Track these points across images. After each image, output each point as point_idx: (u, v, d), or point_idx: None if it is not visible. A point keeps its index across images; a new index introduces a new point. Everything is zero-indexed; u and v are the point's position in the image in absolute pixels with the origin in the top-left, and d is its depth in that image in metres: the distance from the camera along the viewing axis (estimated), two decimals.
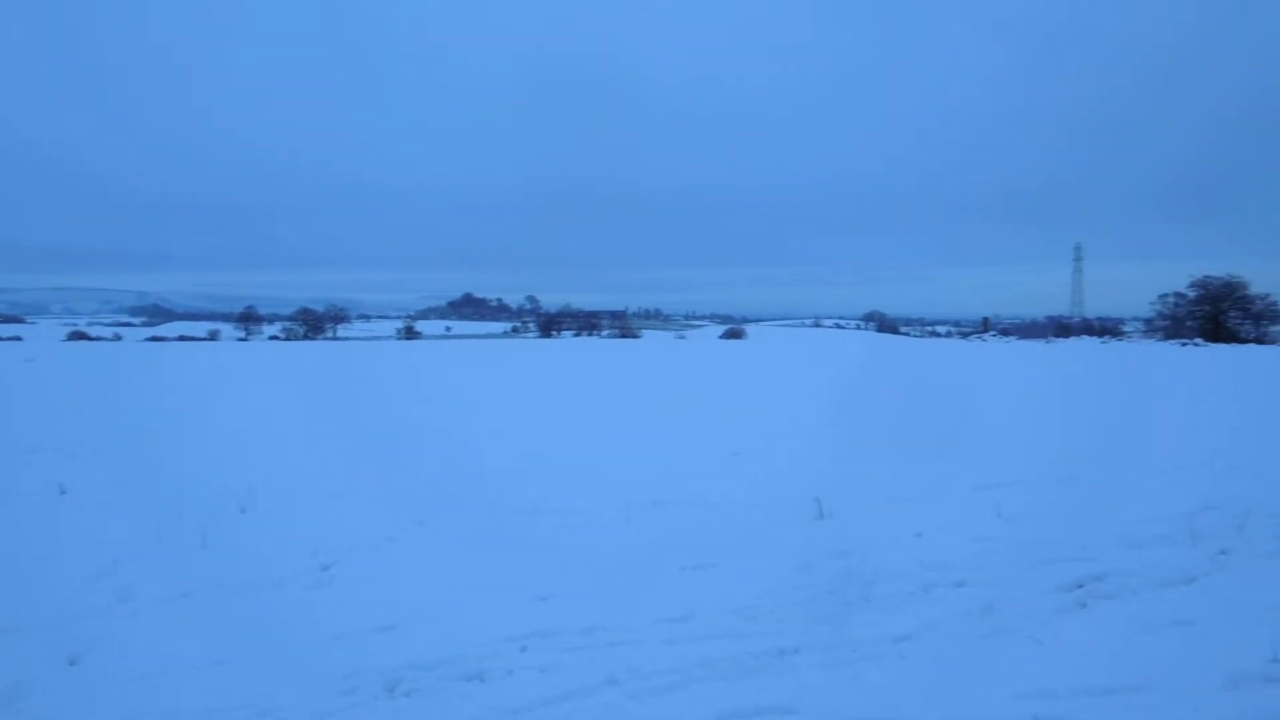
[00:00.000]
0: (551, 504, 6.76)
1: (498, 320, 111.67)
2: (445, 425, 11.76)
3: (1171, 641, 3.50)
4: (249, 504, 6.60)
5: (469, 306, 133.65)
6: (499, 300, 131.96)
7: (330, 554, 5.41)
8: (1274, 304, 33.69)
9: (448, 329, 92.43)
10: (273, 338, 66.36)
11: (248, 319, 76.01)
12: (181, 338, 62.41)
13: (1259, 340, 31.94)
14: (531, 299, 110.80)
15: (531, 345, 43.77)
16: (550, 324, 73.20)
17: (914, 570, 4.98)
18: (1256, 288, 34.18)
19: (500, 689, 3.52)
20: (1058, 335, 39.00)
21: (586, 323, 70.63)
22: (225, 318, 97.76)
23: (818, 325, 67.85)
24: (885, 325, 66.33)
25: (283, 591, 4.78)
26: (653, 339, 47.74)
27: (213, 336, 65.93)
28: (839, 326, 65.98)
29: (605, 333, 63.67)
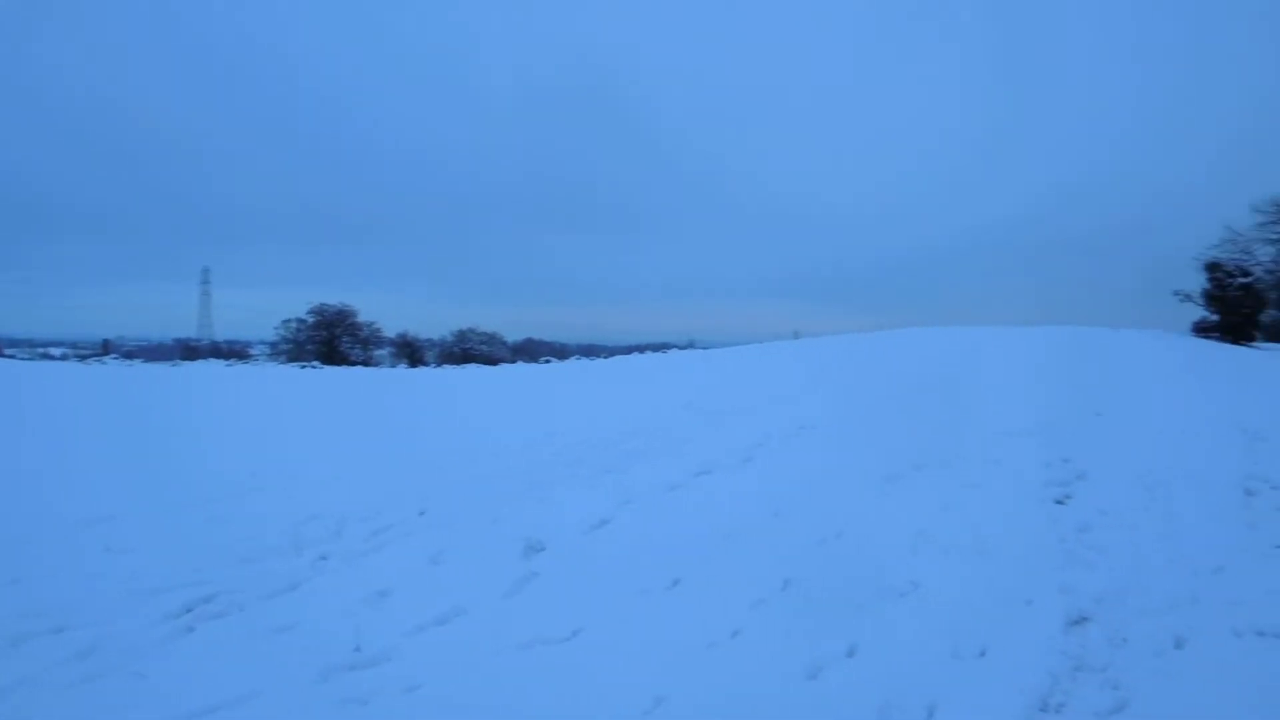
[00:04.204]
0: None
1: None
2: None
3: (276, 647, 3.69)
4: None
5: None
6: None
7: None
8: (379, 330, 41.03)
9: None
10: None
11: None
12: None
13: (366, 363, 37.81)
14: None
15: None
16: None
17: (4, 621, 4.08)
18: (365, 315, 40.78)
19: None
20: (185, 358, 38.00)
21: None
22: None
23: None
24: None
25: None
26: None
27: None
28: None
29: None
